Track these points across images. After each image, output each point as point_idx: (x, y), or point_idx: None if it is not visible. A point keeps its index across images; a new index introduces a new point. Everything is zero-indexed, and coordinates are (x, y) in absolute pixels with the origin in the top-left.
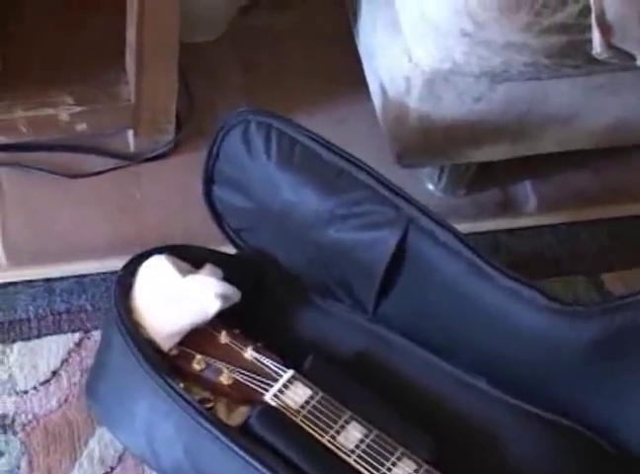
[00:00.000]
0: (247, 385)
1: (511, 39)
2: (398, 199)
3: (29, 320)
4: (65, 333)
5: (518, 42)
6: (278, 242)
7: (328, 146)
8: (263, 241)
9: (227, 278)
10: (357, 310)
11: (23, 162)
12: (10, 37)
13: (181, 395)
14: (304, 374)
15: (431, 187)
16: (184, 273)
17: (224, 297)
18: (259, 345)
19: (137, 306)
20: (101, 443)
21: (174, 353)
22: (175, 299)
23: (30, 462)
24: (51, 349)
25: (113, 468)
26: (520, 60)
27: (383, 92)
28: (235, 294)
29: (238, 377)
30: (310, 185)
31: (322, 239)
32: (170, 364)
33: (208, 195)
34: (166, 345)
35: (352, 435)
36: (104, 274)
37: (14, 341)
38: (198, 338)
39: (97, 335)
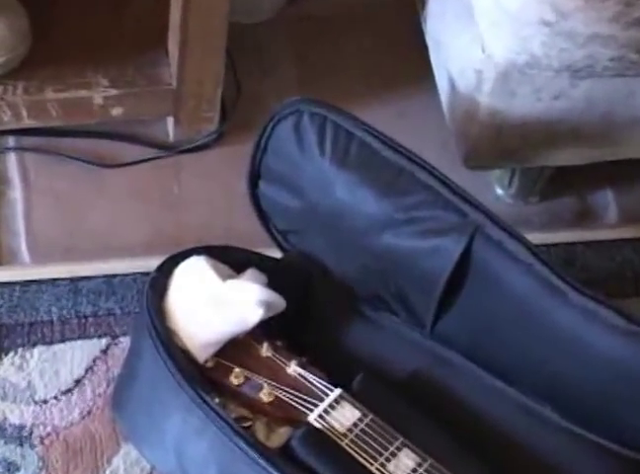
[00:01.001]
0: (289, 404)
1: (596, 31)
2: (464, 204)
3: (51, 322)
4: (91, 338)
5: (604, 34)
6: (328, 246)
7: (388, 143)
8: (312, 245)
9: (271, 285)
10: (413, 325)
11: (52, 149)
12: (47, 14)
13: (216, 411)
14: (353, 394)
15: (500, 192)
16: (224, 277)
17: (267, 305)
18: (304, 359)
19: (171, 312)
20: (126, 461)
21: (210, 364)
22: (213, 306)
23: None
24: (75, 355)
25: None
26: (605, 54)
27: (451, 85)
28: (279, 303)
29: (280, 394)
30: (367, 184)
31: (377, 245)
32: (205, 377)
33: (254, 192)
34: (202, 355)
35: (403, 464)
36: (135, 274)
37: (34, 345)
38: (236, 349)
39: (125, 342)
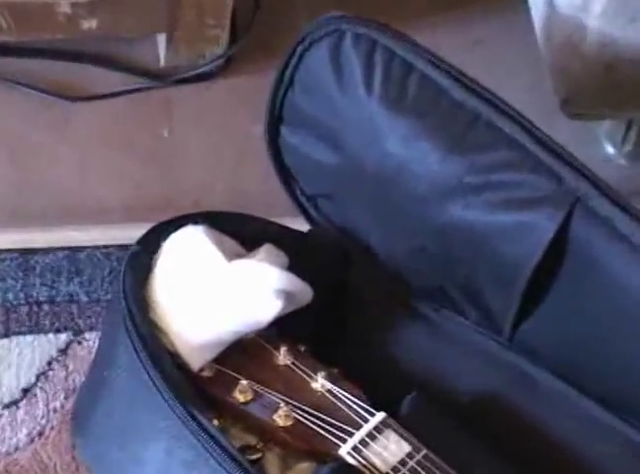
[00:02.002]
0: (313, 430)
1: None
2: (560, 166)
3: None
4: (46, 333)
5: None
6: (373, 218)
7: (459, 79)
8: (350, 215)
9: (294, 268)
10: (485, 329)
11: (2, 74)
12: None
13: (214, 438)
14: (401, 420)
15: (611, 150)
16: (230, 255)
17: (288, 296)
18: (334, 371)
19: (157, 301)
20: None
21: (207, 374)
22: (214, 294)
23: None
24: (23, 355)
25: None
26: None
27: (549, 5)
28: (304, 293)
29: (301, 417)
30: (429, 135)
31: (441, 219)
32: (201, 391)
33: (274, 141)
34: (197, 361)
35: None
36: (108, 248)
37: None
38: (244, 355)
39: (92, 339)
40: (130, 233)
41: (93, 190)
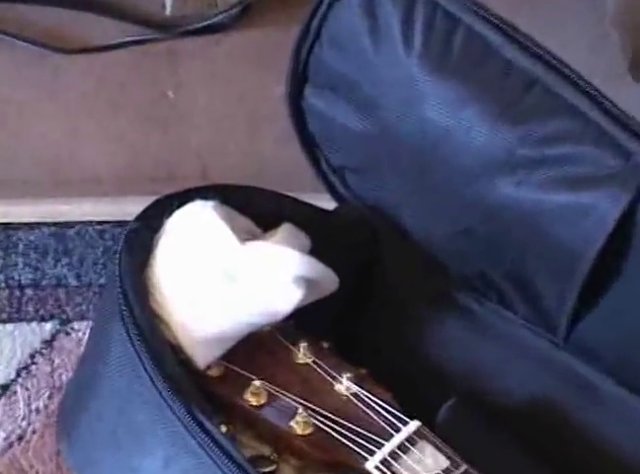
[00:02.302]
0: (336, 439)
1: None
2: (628, 139)
3: None
4: (29, 322)
5: None
6: (408, 195)
7: (512, 35)
8: (383, 191)
9: (317, 251)
10: (537, 326)
11: None
12: None
13: (221, 447)
14: (438, 430)
15: None
16: (243, 235)
17: (310, 284)
18: (362, 371)
19: (158, 287)
20: None
21: (215, 373)
22: (224, 281)
23: None
24: (2, 347)
25: None
26: None
27: None
28: (328, 280)
29: (322, 424)
30: (476, 100)
31: (488, 197)
32: (207, 393)
33: (296, 103)
34: (203, 358)
35: None
36: (103, 224)
37: None
38: (258, 351)
39: (83, 329)
40: (128, 208)
41: (85, 156)
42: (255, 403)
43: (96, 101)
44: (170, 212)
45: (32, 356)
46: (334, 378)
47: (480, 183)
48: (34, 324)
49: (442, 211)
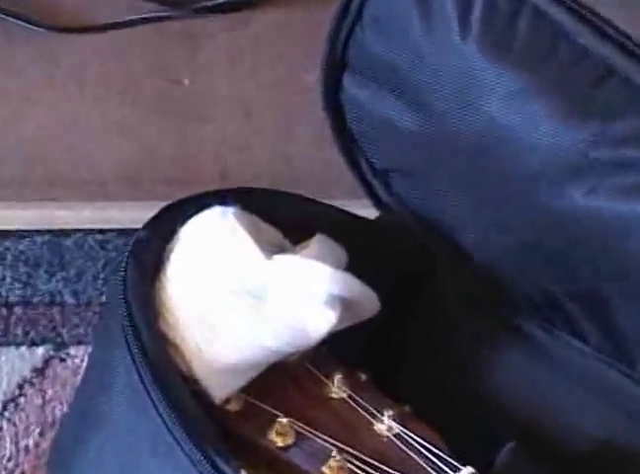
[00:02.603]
0: None
1: None
2: None
3: None
4: (17, 346)
5: None
6: (464, 203)
7: (587, 17)
8: (434, 198)
9: (355, 267)
10: (612, 357)
11: None
12: None
13: None
14: None
15: None
16: (269, 247)
17: (346, 305)
18: (406, 409)
19: (170, 307)
20: None
21: (234, 407)
22: (246, 301)
23: None
24: None
25: None
26: None
27: None
28: (368, 301)
29: (359, 470)
30: (544, 94)
31: (556, 207)
32: (225, 430)
33: (333, 94)
34: (220, 390)
35: None
36: (105, 232)
37: None
38: (284, 383)
39: (80, 355)
40: (135, 214)
41: (86, 153)
42: (281, 444)
43: (99, 88)
44: (184, 220)
45: (20, 387)
46: (373, 416)
47: (546, 190)
48: (23, 348)
49: (503, 222)
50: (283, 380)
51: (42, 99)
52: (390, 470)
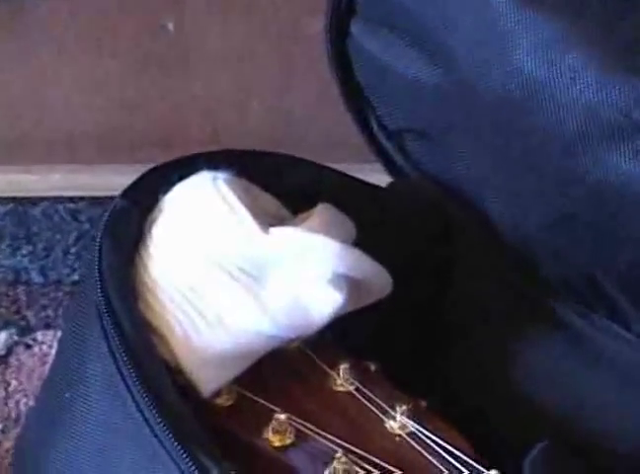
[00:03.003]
0: None
1: None
2: None
3: None
4: None
5: None
6: (490, 169)
7: None
8: (456, 164)
9: (365, 241)
10: None
11: None
12: None
13: None
14: None
15: None
16: (266, 218)
17: (354, 285)
18: (422, 404)
19: (152, 287)
20: None
21: (226, 402)
22: (239, 279)
23: None
24: None
25: None
26: None
27: None
28: (380, 280)
29: None
30: (581, 44)
31: (596, 173)
32: (215, 428)
33: (339, 43)
34: (210, 382)
35: None
36: (77, 201)
37: None
38: (283, 374)
39: (49, 341)
40: (112, 180)
41: (56, 111)
42: (278, 444)
43: (72, 37)
44: (167, 187)
45: None
46: (384, 412)
47: (584, 154)
48: None
49: (536, 193)
50: (282, 371)
51: (7, 52)
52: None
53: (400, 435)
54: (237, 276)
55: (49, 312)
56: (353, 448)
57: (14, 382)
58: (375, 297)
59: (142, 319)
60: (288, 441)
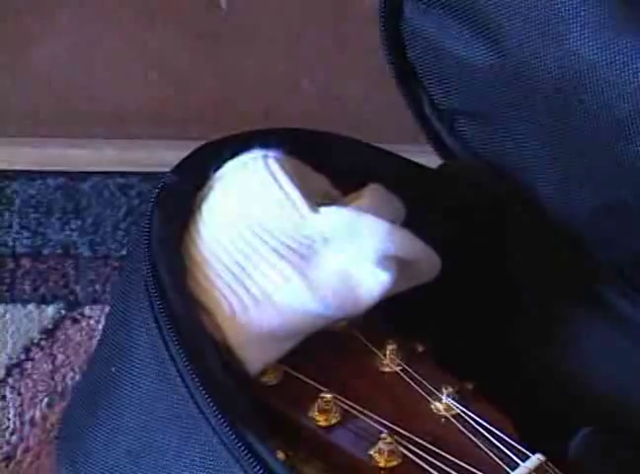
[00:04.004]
0: None
1: None
2: None
3: None
4: (24, 303)
5: None
6: (544, 152)
7: None
8: (509, 147)
9: (415, 222)
10: None
11: None
12: None
13: None
14: (569, 467)
15: None
16: (316, 197)
17: (403, 266)
18: (469, 386)
19: (201, 264)
20: None
21: (272, 380)
22: (288, 258)
23: None
24: None
25: None
26: None
27: None
28: (428, 261)
29: (413, 455)
30: (635, 25)
31: None
32: (260, 406)
33: (392, 22)
34: (257, 360)
35: None
36: (128, 176)
37: None
38: (329, 354)
39: (96, 316)
40: (162, 155)
41: (106, 84)
42: (324, 423)
43: (122, 9)
44: (218, 164)
45: (27, 350)
46: (430, 393)
47: (637, 139)
48: (31, 307)
49: (588, 177)
50: (328, 350)
51: (55, 21)
52: (448, 456)
53: (446, 417)
54: (286, 255)
55: (97, 287)
56: (398, 429)
57: (61, 356)
58: (424, 278)
59: (190, 295)
60: (334, 421)
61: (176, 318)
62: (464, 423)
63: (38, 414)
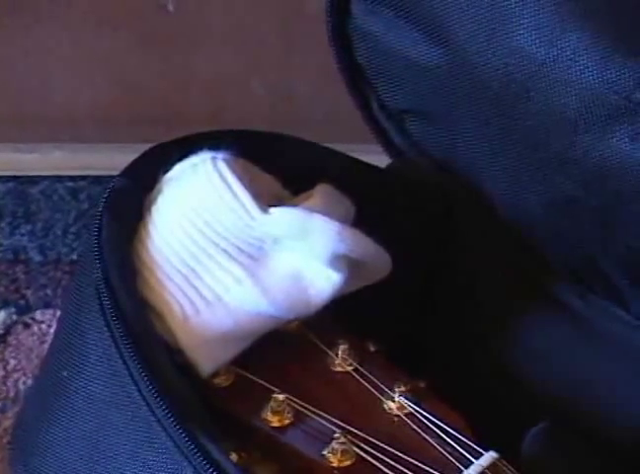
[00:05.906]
0: None
1: None
2: None
3: None
4: None
5: None
6: (491, 150)
7: None
8: (457, 145)
9: (364, 221)
10: None
11: None
12: None
13: None
14: (522, 463)
15: None
16: (265, 198)
17: (353, 265)
18: (421, 385)
19: (152, 266)
20: None
21: (224, 382)
22: (239, 259)
23: None
24: None
25: None
26: None
27: None
28: (379, 261)
29: (366, 454)
30: (583, 24)
31: (596, 155)
32: (213, 408)
33: (340, 23)
34: (209, 362)
35: None
36: (78, 180)
37: None
38: (281, 354)
39: (48, 320)
40: (112, 158)
41: (55, 88)
42: (277, 424)
43: (73, 14)
44: (168, 166)
45: None
46: (383, 393)
47: (585, 135)
48: None
49: (538, 174)
50: (280, 351)
51: (6, 24)
52: (401, 454)
53: (398, 416)
54: (236, 256)
55: (48, 291)
56: (351, 429)
57: (12, 361)
58: (375, 278)
59: (141, 298)
60: (287, 422)
61: (127, 321)
62: (417, 421)
63: None
